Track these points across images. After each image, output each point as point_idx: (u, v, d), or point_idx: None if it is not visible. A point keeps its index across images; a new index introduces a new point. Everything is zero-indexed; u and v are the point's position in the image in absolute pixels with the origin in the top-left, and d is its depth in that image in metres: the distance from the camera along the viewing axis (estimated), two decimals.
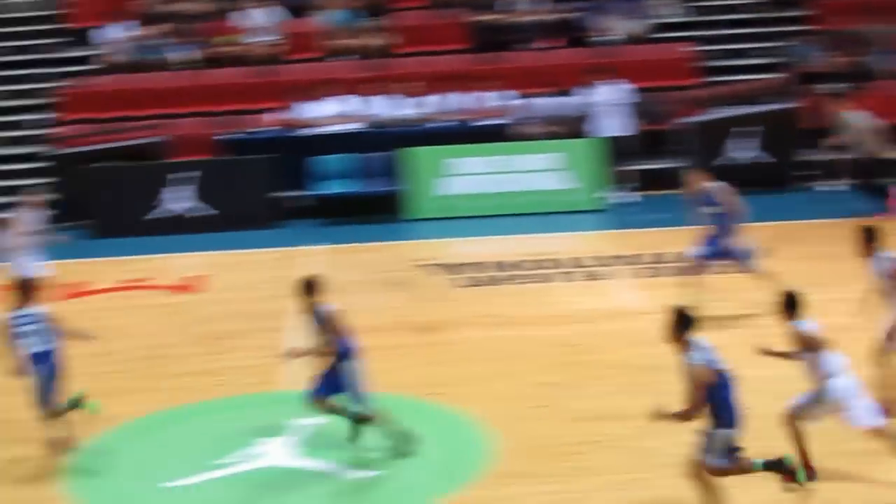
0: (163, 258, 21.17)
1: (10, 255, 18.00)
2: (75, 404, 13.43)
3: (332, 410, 12.74)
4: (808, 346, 11.46)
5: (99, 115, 24.76)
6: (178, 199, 22.85)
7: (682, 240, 17.55)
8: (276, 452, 12.83)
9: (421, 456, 12.70)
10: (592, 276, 18.94)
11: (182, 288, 19.09)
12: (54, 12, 27.11)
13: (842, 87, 23.93)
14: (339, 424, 13.06)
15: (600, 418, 13.43)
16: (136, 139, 23.91)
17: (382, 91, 24.19)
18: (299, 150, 23.30)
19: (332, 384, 12.56)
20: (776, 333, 11.83)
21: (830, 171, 23.16)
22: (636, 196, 23.43)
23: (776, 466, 11.23)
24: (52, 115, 25.02)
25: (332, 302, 12.62)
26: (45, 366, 13.15)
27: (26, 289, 13.53)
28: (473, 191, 22.96)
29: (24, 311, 13.26)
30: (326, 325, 12.43)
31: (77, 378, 14.95)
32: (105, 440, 13.41)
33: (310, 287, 12.61)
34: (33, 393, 13.13)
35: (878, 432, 11.76)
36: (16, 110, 25.40)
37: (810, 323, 11.50)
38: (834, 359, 11.55)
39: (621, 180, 23.41)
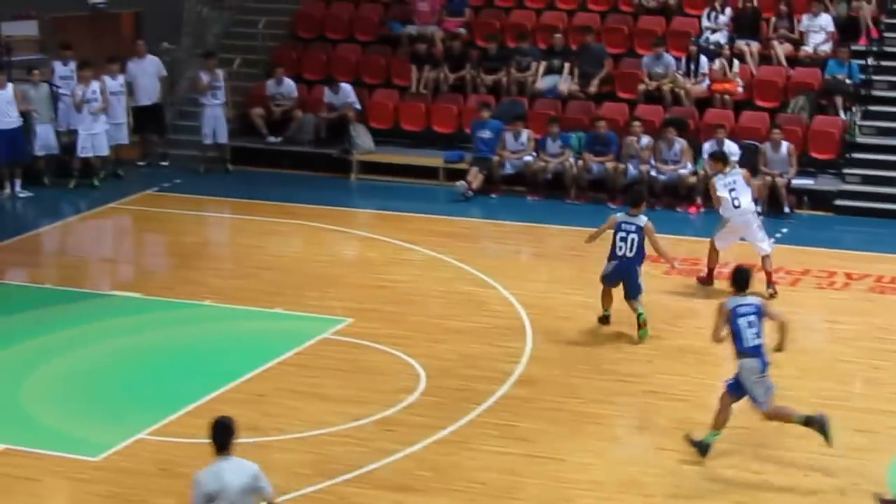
0: None
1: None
2: (640, 322, 16.29)
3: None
4: None
5: None
6: None
7: None
8: None
9: None
10: None
11: None
12: None
13: None
14: None
15: None
16: None
17: None
18: None
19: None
20: None
21: None
22: None
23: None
24: None
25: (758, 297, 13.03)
26: (620, 267, 16.36)
27: (638, 197, 16.89)
28: None
29: (630, 219, 16.49)
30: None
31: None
32: None
33: (739, 278, 13.03)
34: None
35: None
36: None
37: None
38: None
39: None
